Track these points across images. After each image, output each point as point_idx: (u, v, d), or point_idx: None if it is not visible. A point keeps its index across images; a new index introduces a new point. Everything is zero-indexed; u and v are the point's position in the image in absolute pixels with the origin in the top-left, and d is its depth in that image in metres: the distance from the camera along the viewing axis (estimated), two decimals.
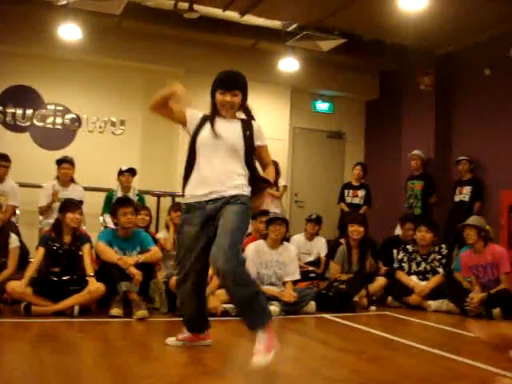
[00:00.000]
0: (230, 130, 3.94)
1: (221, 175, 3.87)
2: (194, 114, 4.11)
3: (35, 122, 9.61)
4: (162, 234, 7.11)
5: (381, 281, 6.92)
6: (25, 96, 9.53)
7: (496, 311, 6.06)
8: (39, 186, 7.73)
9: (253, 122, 4.06)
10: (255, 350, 3.51)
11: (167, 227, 7.15)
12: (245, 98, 4.01)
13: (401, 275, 6.96)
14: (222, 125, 3.96)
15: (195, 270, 3.93)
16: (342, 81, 10.87)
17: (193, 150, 4.00)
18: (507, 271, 6.26)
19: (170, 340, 4.26)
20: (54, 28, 8.62)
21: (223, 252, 3.57)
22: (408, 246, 7.08)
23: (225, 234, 3.64)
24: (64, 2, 7.94)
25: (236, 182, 3.86)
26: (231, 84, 3.92)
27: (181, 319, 4.30)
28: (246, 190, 3.89)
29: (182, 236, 4.00)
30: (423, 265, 6.97)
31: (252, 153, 3.98)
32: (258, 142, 4.00)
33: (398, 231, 8.07)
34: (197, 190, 3.94)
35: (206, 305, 4.31)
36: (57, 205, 6.78)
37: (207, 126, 3.97)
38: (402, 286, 6.87)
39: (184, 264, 3.95)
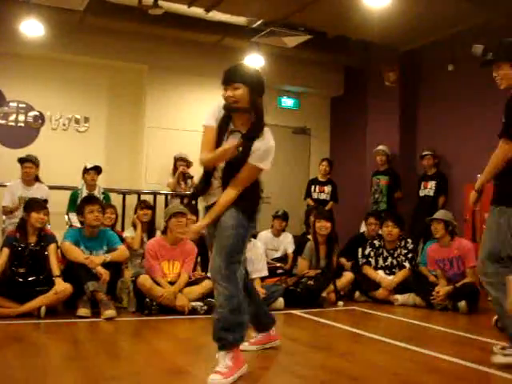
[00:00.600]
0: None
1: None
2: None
3: None
4: (128, 233, 7.06)
5: (348, 276, 6.97)
6: None
7: (462, 304, 6.15)
8: (3, 185, 7.61)
9: (256, 143, 3.54)
10: (215, 369, 3.40)
11: (134, 226, 7.10)
12: (254, 93, 3.55)
13: (368, 270, 7.02)
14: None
15: None
16: (307, 77, 10.89)
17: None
18: (473, 265, 6.35)
19: (245, 345, 3.98)
20: (15, 24, 8.46)
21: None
22: (375, 241, 7.15)
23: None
24: None
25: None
26: (229, 76, 3.54)
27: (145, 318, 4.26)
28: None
29: None
30: (390, 259, 7.04)
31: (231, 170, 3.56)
32: (249, 159, 3.53)
33: (364, 228, 8.13)
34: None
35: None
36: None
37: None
38: (369, 280, 6.93)
39: None
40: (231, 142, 3.46)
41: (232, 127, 3.60)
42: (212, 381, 3.32)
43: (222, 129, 3.60)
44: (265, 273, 6.33)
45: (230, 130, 3.59)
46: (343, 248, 7.67)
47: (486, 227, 4.12)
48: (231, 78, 3.53)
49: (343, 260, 7.43)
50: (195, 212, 7.04)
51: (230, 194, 3.51)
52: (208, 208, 3.65)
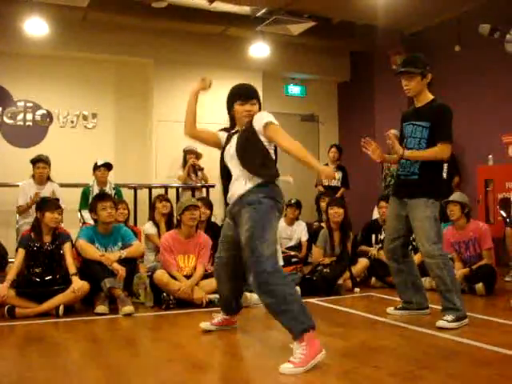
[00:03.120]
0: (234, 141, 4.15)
1: (231, 186, 4.10)
2: (223, 135, 4.36)
3: (5, 119, 9.45)
4: (151, 229, 6.96)
5: (364, 262, 6.95)
6: None
7: (479, 286, 6.12)
8: (14, 185, 7.64)
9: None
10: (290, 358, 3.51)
11: (153, 219, 7.02)
12: (260, 108, 4.17)
13: (383, 255, 6.99)
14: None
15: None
16: (313, 64, 10.85)
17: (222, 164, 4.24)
18: (489, 247, 6.33)
19: (205, 324, 4.56)
20: (19, 23, 8.48)
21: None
22: None
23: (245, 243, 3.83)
24: None
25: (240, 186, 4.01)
26: (249, 94, 4.14)
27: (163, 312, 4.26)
28: (248, 185, 3.96)
29: None
30: None
31: (244, 152, 4.02)
32: (256, 127, 4.00)
33: (376, 214, 8.10)
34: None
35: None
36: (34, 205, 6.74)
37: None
38: (384, 266, 6.89)
39: None
40: None
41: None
42: (282, 369, 3.43)
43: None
44: (280, 262, 6.31)
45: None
46: (360, 237, 7.62)
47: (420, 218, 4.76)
48: (251, 95, 4.14)
49: (364, 247, 7.36)
50: (208, 204, 7.03)
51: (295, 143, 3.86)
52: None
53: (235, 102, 4.14)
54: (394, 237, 5.07)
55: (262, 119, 3.96)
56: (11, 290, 5.20)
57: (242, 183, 3.97)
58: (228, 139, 4.23)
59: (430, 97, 4.94)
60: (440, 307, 4.82)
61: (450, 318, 4.58)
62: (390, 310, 5.22)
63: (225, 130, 4.38)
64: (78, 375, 3.46)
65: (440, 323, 4.56)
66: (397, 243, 5.07)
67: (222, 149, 4.25)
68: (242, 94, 4.16)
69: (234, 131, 4.22)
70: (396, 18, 8.89)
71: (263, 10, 8.98)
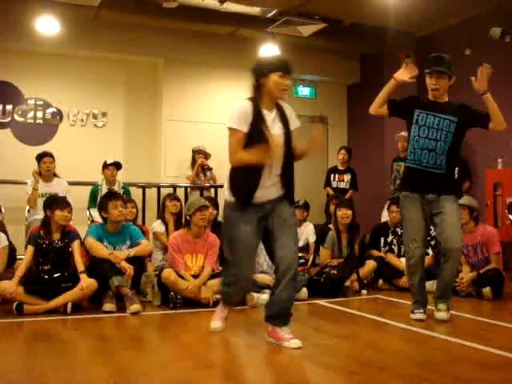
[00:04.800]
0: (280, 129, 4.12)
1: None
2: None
3: (16, 117, 9.50)
4: (157, 227, 6.97)
5: (371, 264, 6.94)
6: (4, 92, 9.42)
7: (486, 290, 6.10)
8: (23, 183, 7.67)
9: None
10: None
11: (162, 219, 7.02)
12: None
13: (391, 258, 6.99)
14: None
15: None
16: (323, 65, 10.85)
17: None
18: (498, 251, 6.31)
19: (217, 324, 4.55)
20: (31, 22, 8.52)
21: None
22: (397, 229, 7.10)
23: None
24: None
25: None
26: (291, 69, 3.95)
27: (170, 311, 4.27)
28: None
29: None
30: None
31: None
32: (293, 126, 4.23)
33: (385, 217, 8.09)
34: None
35: None
36: (41, 202, 6.77)
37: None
38: (392, 268, 6.90)
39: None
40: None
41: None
42: (298, 343, 3.95)
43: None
44: None
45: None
46: (369, 240, 7.60)
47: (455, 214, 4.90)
48: (291, 71, 3.93)
49: (374, 251, 7.34)
50: (215, 204, 7.04)
51: None
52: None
53: (273, 72, 3.88)
54: (423, 238, 5.05)
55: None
56: (20, 286, 5.22)
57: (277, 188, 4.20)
58: (259, 117, 3.92)
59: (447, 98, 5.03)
60: None
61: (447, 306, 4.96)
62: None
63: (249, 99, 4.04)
64: (85, 372, 3.48)
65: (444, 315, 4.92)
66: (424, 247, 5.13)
67: (256, 125, 3.91)
68: (283, 66, 3.91)
69: (267, 111, 3.98)
70: (407, 20, 8.89)
71: (274, 11, 8.99)
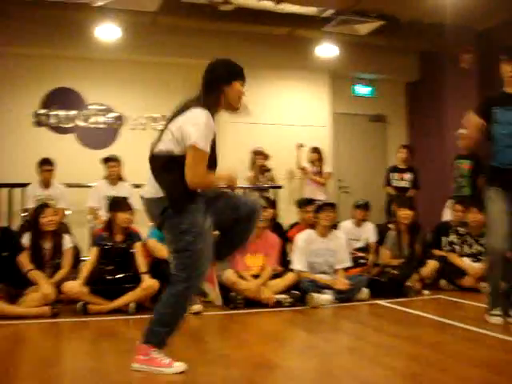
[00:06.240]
0: None
1: None
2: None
3: (79, 122, 9.72)
4: None
5: (433, 264, 6.82)
6: (67, 98, 9.64)
7: None
8: (86, 186, 7.85)
9: None
10: None
11: None
12: None
13: (453, 257, 6.86)
14: None
15: None
16: (381, 63, 10.72)
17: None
18: None
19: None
20: (91, 29, 8.71)
21: None
22: (459, 228, 6.98)
23: None
24: (101, 3, 8.01)
25: None
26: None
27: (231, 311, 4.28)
28: None
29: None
30: (475, 246, 6.86)
31: None
32: None
33: (446, 216, 7.95)
34: None
35: None
36: (106, 205, 6.93)
37: None
38: (454, 268, 6.78)
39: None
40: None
41: None
42: None
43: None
44: (348, 263, 6.31)
45: None
46: (430, 239, 7.48)
47: None
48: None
49: (436, 251, 7.23)
50: (271, 204, 7.07)
51: None
52: None
53: (237, 80, 3.57)
54: (505, 234, 4.69)
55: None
56: (84, 287, 5.38)
57: None
58: (214, 135, 3.52)
59: None
60: None
61: None
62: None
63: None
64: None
65: None
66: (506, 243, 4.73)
67: (213, 144, 3.52)
68: (243, 74, 3.62)
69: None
70: (466, 15, 8.70)
71: (330, 11, 8.93)
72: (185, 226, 3.41)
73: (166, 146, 3.45)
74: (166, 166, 3.44)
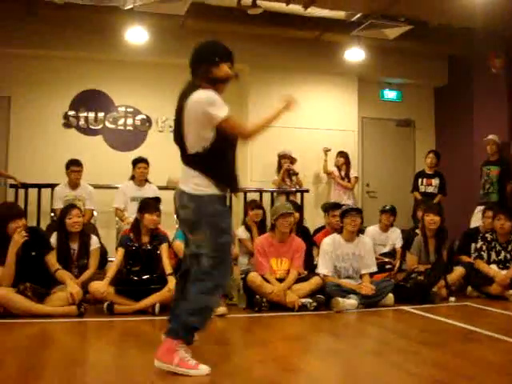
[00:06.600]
0: None
1: None
2: None
3: (107, 124, 9.81)
4: (241, 233, 7.03)
5: (459, 271, 6.77)
6: (96, 100, 9.74)
7: None
8: (114, 187, 7.92)
9: None
10: None
11: (246, 226, 7.08)
12: None
13: (480, 264, 6.79)
14: None
15: None
16: (409, 68, 10.67)
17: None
18: None
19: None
20: (120, 32, 8.80)
21: None
22: (487, 235, 6.91)
23: None
24: (130, 7, 8.07)
25: None
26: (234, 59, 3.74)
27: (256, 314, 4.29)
28: None
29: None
30: (503, 253, 6.79)
31: None
32: None
33: (475, 222, 7.87)
34: None
35: None
36: (132, 206, 7.00)
37: None
38: (481, 275, 6.70)
39: None
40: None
41: None
42: None
43: None
44: (374, 268, 6.28)
45: None
46: (459, 245, 7.41)
47: None
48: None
49: (464, 257, 7.17)
50: (298, 209, 7.06)
51: None
52: None
53: (224, 62, 3.69)
54: None
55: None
56: (111, 287, 5.43)
57: None
58: None
59: None
60: None
61: None
62: None
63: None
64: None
65: None
66: None
67: None
68: (232, 57, 3.72)
69: None
70: (495, 19, 8.59)
71: (358, 15, 8.91)
72: (224, 224, 3.55)
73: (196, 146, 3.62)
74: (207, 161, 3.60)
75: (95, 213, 7.81)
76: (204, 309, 3.52)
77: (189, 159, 3.70)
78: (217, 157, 3.62)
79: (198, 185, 3.60)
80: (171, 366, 3.44)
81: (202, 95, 3.58)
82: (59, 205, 7.34)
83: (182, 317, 3.52)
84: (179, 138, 3.73)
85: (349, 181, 9.35)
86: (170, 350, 3.47)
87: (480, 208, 8.05)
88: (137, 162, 7.68)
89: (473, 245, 7.12)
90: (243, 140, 3.68)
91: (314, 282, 5.88)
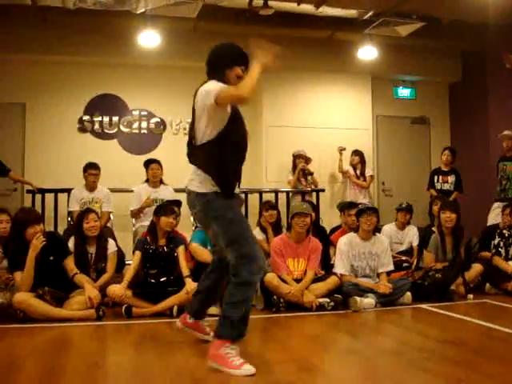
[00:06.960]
0: None
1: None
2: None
3: (122, 128, 9.86)
4: (259, 235, 6.98)
5: (477, 268, 6.73)
6: (110, 104, 9.80)
7: None
8: (130, 191, 7.95)
9: None
10: None
11: (261, 227, 7.07)
12: None
13: (498, 261, 6.76)
14: None
15: None
16: (422, 65, 10.62)
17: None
18: None
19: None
20: (133, 36, 8.85)
21: None
22: (504, 231, 6.87)
23: None
24: (142, 11, 8.11)
25: None
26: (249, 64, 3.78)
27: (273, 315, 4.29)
28: None
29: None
30: None
31: None
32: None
33: (493, 218, 7.82)
34: None
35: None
36: (150, 208, 7.02)
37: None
38: (500, 272, 6.66)
39: None
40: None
41: None
42: None
43: None
44: (391, 267, 6.26)
45: None
46: (479, 242, 7.36)
47: None
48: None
49: (485, 253, 7.14)
50: (314, 208, 7.05)
51: None
52: None
53: (238, 65, 3.81)
54: None
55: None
56: (128, 290, 5.46)
57: None
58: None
59: None
60: None
61: None
62: None
63: None
64: (189, 373, 3.57)
65: None
66: None
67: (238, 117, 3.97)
68: (247, 61, 3.81)
69: None
70: (508, 14, 8.54)
71: (370, 13, 8.89)
72: (231, 215, 3.68)
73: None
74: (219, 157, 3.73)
75: (112, 216, 7.84)
76: (242, 302, 3.57)
77: (194, 154, 3.84)
78: (219, 158, 3.74)
79: (202, 183, 3.73)
80: (218, 366, 3.53)
81: (205, 87, 3.73)
82: (75, 207, 7.39)
83: (224, 312, 3.61)
84: (193, 133, 3.86)
85: (364, 179, 9.32)
86: (215, 349, 3.57)
87: (497, 204, 8.00)
88: (148, 163, 7.72)
89: (493, 241, 7.07)
90: (244, 103, 3.72)
91: (331, 281, 5.87)
